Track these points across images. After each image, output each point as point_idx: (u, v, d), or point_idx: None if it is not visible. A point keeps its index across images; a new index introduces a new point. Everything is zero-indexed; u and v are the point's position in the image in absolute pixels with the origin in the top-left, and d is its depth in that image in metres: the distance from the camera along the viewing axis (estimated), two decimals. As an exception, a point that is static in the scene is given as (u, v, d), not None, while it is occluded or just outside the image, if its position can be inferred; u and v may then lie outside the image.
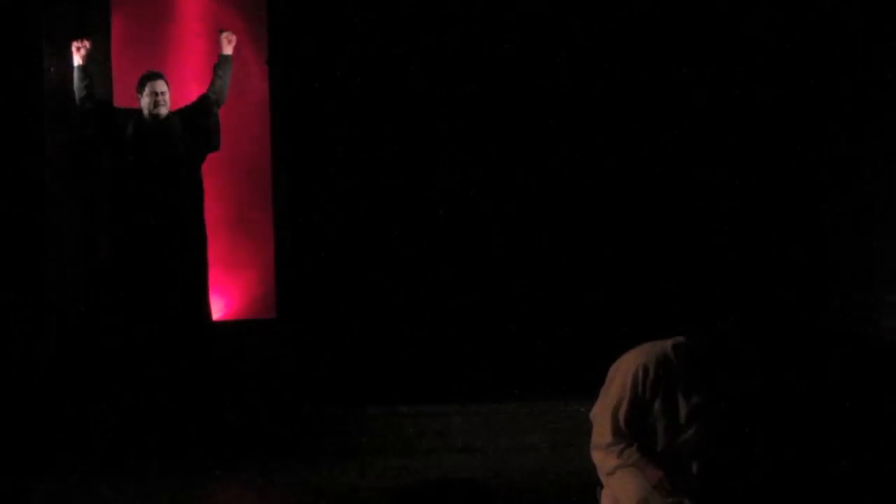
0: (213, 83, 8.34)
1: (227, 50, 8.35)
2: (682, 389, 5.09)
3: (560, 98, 8.60)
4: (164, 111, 8.23)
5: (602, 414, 5.17)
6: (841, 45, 8.36)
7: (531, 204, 8.67)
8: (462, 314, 8.50)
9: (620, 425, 5.09)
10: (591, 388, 5.43)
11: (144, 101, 8.22)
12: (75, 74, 8.26)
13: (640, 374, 5.09)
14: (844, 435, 6.92)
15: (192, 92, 8.47)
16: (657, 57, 8.53)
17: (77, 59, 8.26)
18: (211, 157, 8.39)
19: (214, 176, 8.45)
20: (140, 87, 8.23)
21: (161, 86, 8.22)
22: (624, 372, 5.14)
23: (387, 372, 8.30)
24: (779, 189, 8.49)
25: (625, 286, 8.43)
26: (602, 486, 5.23)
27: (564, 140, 8.61)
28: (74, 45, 8.27)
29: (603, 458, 5.15)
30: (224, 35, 8.35)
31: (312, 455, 7.74)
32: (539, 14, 8.61)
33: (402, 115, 8.60)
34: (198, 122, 8.32)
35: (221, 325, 8.49)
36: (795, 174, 8.49)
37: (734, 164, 8.48)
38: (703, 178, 8.47)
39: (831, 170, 8.46)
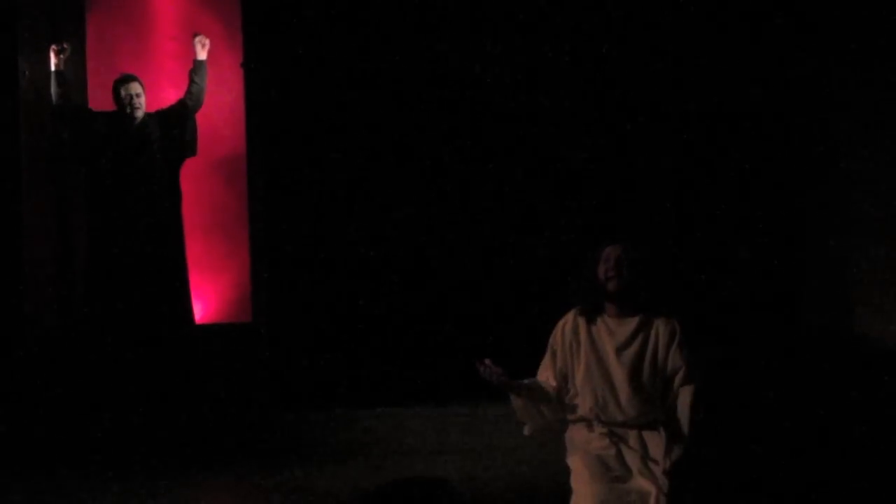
0: (189, 90, 8.34)
1: (202, 55, 8.35)
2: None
3: (538, 104, 8.62)
4: (139, 114, 8.24)
5: None
6: (817, 46, 8.40)
7: (508, 207, 8.68)
8: (439, 315, 8.51)
9: (539, 370, 5.48)
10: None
11: (120, 105, 8.23)
12: (52, 79, 8.25)
13: (560, 324, 5.46)
14: (815, 432, 6.97)
15: (168, 94, 8.48)
16: (636, 58, 8.55)
17: (54, 64, 8.25)
18: (187, 160, 8.39)
19: (189, 179, 8.45)
20: (115, 91, 8.24)
21: (136, 88, 8.23)
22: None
23: (362, 374, 8.30)
24: (753, 187, 8.52)
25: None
26: None
27: (542, 145, 8.63)
28: (53, 48, 8.25)
29: None
30: (197, 39, 8.35)
31: (287, 457, 7.72)
32: (521, 24, 8.64)
33: (379, 118, 8.60)
34: (175, 128, 8.32)
35: (197, 328, 8.49)
36: (770, 172, 8.52)
37: (709, 163, 8.50)
38: (678, 177, 8.50)
39: (807, 168, 8.49)
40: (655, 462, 5.19)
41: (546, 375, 5.45)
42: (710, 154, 8.48)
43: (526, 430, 5.52)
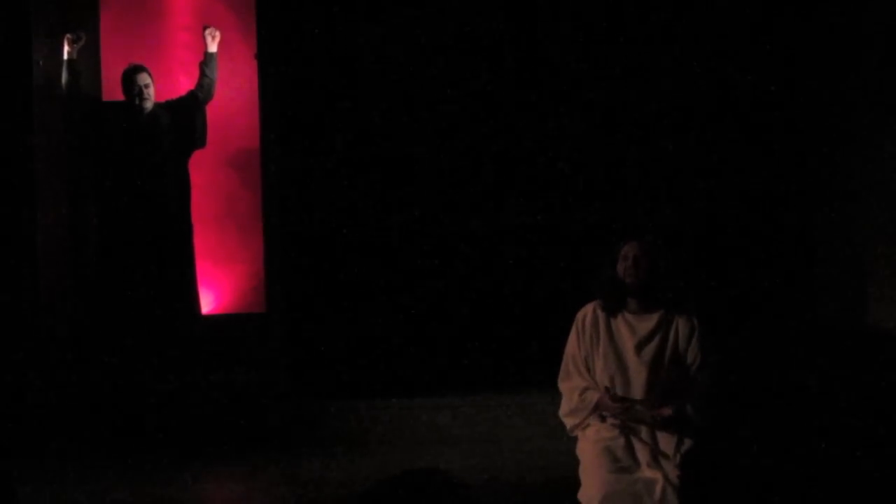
0: (200, 82, 8.32)
1: (212, 47, 8.32)
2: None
3: (546, 97, 8.59)
4: (148, 104, 8.23)
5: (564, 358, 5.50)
6: (833, 48, 8.36)
7: (521, 201, 8.64)
8: (453, 307, 8.49)
9: (568, 364, 5.43)
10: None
11: (129, 95, 8.22)
12: (65, 68, 8.24)
13: (581, 315, 5.42)
14: (833, 427, 6.94)
15: (179, 84, 8.47)
16: (643, 54, 8.51)
17: (67, 53, 8.24)
18: (199, 150, 8.39)
19: (203, 169, 8.46)
20: (124, 81, 8.23)
21: (145, 78, 8.21)
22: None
23: (375, 365, 8.29)
24: (768, 183, 8.48)
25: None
26: None
27: (552, 139, 8.60)
28: (67, 37, 8.23)
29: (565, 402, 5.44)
30: (208, 31, 8.31)
31: (300, 448, 7.72)
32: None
33: (392, 109, 8.57)
34: (185, 119, 8.31)
35: (211, 318, 8.49)
36: (785, 167, 8.48)
37: (723, 158, 8.46)
38: (693, 174, 8.45)
39: (821, 163, 8.45)
40: (666, 455, 5.17)
41: (583, 374, 5.40)
42: (727, 150, 8.44)
43: (574, 431, 5.47)
